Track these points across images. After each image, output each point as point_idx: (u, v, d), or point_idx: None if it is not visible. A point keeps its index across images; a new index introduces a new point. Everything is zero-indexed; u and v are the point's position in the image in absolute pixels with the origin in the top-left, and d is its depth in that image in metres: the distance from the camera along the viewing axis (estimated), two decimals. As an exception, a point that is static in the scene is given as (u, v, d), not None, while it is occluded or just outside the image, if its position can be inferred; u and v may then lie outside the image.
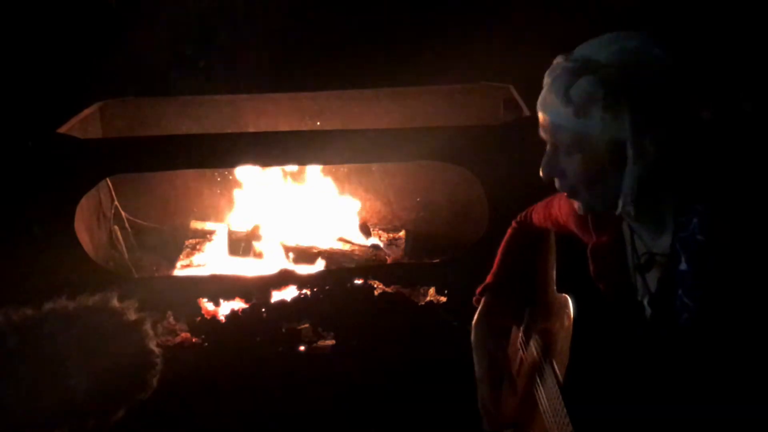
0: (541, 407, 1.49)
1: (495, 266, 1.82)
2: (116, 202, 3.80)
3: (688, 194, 1.31)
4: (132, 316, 1.43)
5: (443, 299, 3.20)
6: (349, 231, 3.81)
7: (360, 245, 3.74)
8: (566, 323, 1.43)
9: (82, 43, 3.91)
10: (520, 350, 1.73)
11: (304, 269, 3.44)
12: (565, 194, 1.42)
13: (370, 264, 3.56)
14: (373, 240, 3.81)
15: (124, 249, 3.78)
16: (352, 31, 4.06)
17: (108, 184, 3.72)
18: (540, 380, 1.54)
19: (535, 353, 1.61)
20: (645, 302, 1.40)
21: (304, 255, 3.55)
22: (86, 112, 3.67)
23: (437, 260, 3.51)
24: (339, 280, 3.25)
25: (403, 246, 3.80)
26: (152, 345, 1.44)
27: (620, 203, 1.32)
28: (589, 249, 1.51)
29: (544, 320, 1.60)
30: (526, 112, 3.42)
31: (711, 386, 1.27)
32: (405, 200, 4.04)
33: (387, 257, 3.69)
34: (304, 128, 3.82)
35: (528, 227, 1.82)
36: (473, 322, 1.76)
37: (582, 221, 1.53)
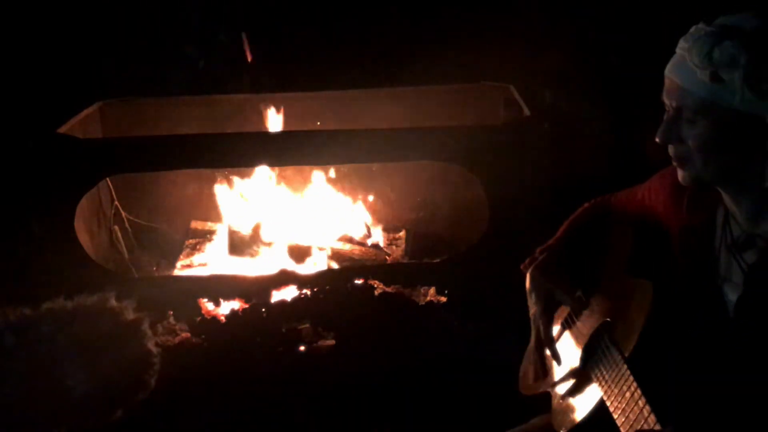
0: (596, 381, 1.51)
1: (558, 235, 1.84)
2: (116, 202, 3.80)
3: None
4: (130, 316, 1.43)
5: (443, 299, 3.20)
6: (349, 230, 3.81)
7: (360, 245, 3.74)
8: (640, 306, 1.46)
9: (82, 43, 3.90)
10: (562, 328, 1.76)
11: (304, 269, 3.44)
12: (675, 163, 1.42)
13: (370, 264, 3.56)
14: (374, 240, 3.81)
15: (124, 249, 3.78)
16: (352, 31, 4.06)
17: (108, 184, 3.72)
18: (589, 353, 1.57)
19: (585, 330, 1.64)
20: (725, 287, 1.42)
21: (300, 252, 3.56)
22: (86, 112, 3.67)
23: (437, 260, 3.51)
24: (339, 280, 3.25)
25: (403, 246, 3.80)
26: (150, 345, 1.44)
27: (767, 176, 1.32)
28: (680, 229, 1.52)
29: (608, 302, 1.63)
30: (526, 112, 3.42)
31: None
32: (405, 200, 4.04)
33: (387, 257, 3.69)
34: (304, 128, 3.82)
35: (602, 209, 1.83)
36: (528, 272, 1.77)
37: (675, 202, 1.55)
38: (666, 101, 1.39)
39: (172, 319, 3.10)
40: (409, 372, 2.79)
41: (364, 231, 3.80)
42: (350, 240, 3.74)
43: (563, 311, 1.79)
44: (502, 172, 3.23)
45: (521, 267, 1.81)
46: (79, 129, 3.50)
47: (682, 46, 1.36)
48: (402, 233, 3.91)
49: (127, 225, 3.85)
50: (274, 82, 3.96)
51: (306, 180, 3.89)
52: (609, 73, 3.76)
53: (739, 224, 1.42)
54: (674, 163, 1.43)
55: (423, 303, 3.18)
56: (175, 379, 2.62)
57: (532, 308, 1.73)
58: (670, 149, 1.41)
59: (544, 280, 1.73)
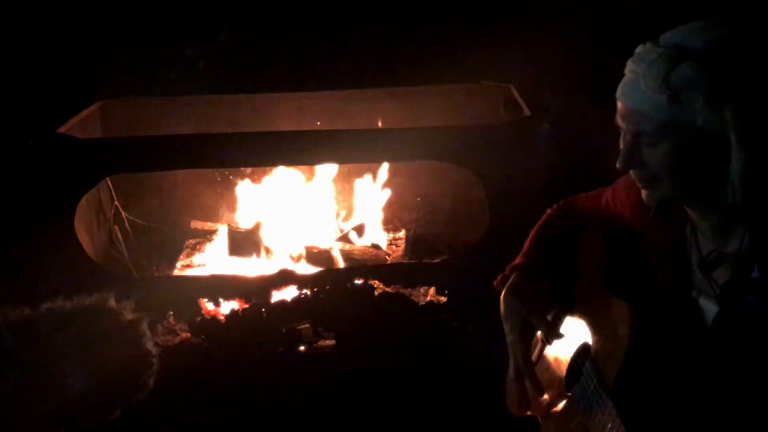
0: (580, 410, 1.47)
1: (525, 248, 1.77)
2: (116, 202, 3.80)
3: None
4: (129, 316, 1.42)
5: (443, 299, 3.20)
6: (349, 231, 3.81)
7: (360, 245, 3.74)
8: (618, 329, 1.40)
9: (82, 43, 3.90)
10: (541, 343, 1.72)
11: (304, 269, 3.44)
12: (639, 185, 1.37)
13: (370, 264, 3.56)
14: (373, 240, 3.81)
15: (124, 249, 3.77)
16: (352, 30, 4.06)
17: (108, 184, 3.72)
18: (574, 377, 1.52)
19: (567, 349, 1.59)
20: (701, 300, 1.38)
21: (316, 256, 3.55)
22: (86, 112, 3.67)
23: (437, 260, 3.51)
24: (339, 280, 3.25)
25: (403, 246, 3.80)
26: (149, 345, 1.43)
27: (730, 194, 1.26)
28: (650, 242, 1.47)
29: (583, 317, 1.58)
30: (526, 112, 3.42)
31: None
32: (405, 200, 4.04)
33: (387, 257, 3.69)
34: (304, 128, 3.82)
35: (569, 214, 1.78)
36: (501, 296, 1.71)
37: (642, 212, 1.49)
38: (622, 125, 1.33)
39: (172, 319, 3.10)
40: (409, 372, 2.79)
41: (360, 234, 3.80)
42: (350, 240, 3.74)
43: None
44: (502, 172, 3.23)
45: (494, 284, 1.76)
46: (79, 129, 3.50)
47: (632, 69, 1.30)
48: (402, 233, 3.91)
49: (127, 225, 3.85)
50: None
51: (306, 179, 3.89)
52: (609, 72, 3.76)
53: (708, 240, 1.38)
54: (639, 185, 1.38)
55: (423, 303, 3.18)
56: (175, 379, 2.62)
57: (508, 336, 1.67)
58: (634, 173, 1.36)
59: (517, 304, 1.67)
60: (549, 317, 1.69)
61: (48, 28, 3.89)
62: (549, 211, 1.83)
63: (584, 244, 1.70)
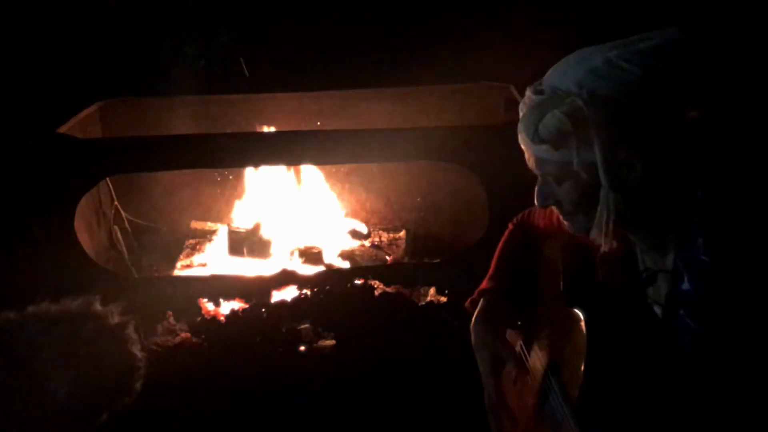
0: (546, 421, 1.46)
1: (492, 270, 1.79)
2: (116, 202, 3.80)
3: (689, 211, 1.28)
4: (114, 319, 1.41)
5: (443, 299, 3.20)
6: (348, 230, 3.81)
7: (360, 245, 3.74)
8: (577, 341, 1.40)
9: (82, 43, 3.91)
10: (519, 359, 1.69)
11: (304, 269, 3.44)
12: (562, 218, 1.42)
13: (370, 264, 3.56)
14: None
15: (124, 249, 3.78)
16: (352, 30, 4.06)
17: (108, 184, 3.72)
18: (545, 396, 1.50)
19: (538, 366, 1.58)
20: (656, 308, 1.37)
21: (311, 256, 3.55)
22: (86, 112, 3.67)
23: (437, 260, 3.51)
24: (339, 280, 3.25)
25: (403, 246, 3.80)
26: (135, 349, 1.41)
27: (593, 229, 1.32)
28: (599, 257, 1.47)
29: (549, 332, 1.57)
30: (527, 112, 3.41)
31: (714, 410, 1.23)
32: (405, 200, 4.03)
33: (387, 257, 3.69)
34: (304, 128, 3.82)
35: (527, 229, 1.79)
36: (471, 324, 1.73)
37: None
38: (530, 167, 1.41)
39: (172, 319, 3.10)
40: (409, 372, 2.78)
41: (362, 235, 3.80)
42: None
43: (516, 341, 1.73)
44: (502, 172, 3.21)
45: (465, 306, 1.78)
46: (79, 129, 3.50)
47: (521, 115, 1.37)
48: (402, 233, 3.91)
49: (127, 225, 3.85)
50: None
51: (305, 180, 3.89)
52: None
53: (645, 258, 1.40)
54: (562, 218, 1.43)
55: (423, 303, 3.18)
56: (174, 379, 2.62)
57: (480, 368, 1.71)
58: (555, 209, 1.42)
59: (486, 336, 1.69)
60: (519, 342, 1.69)
61: (48, 27, 3.90)
62: (510, 226, 1.85)
63: (544, 257, 1.71)
